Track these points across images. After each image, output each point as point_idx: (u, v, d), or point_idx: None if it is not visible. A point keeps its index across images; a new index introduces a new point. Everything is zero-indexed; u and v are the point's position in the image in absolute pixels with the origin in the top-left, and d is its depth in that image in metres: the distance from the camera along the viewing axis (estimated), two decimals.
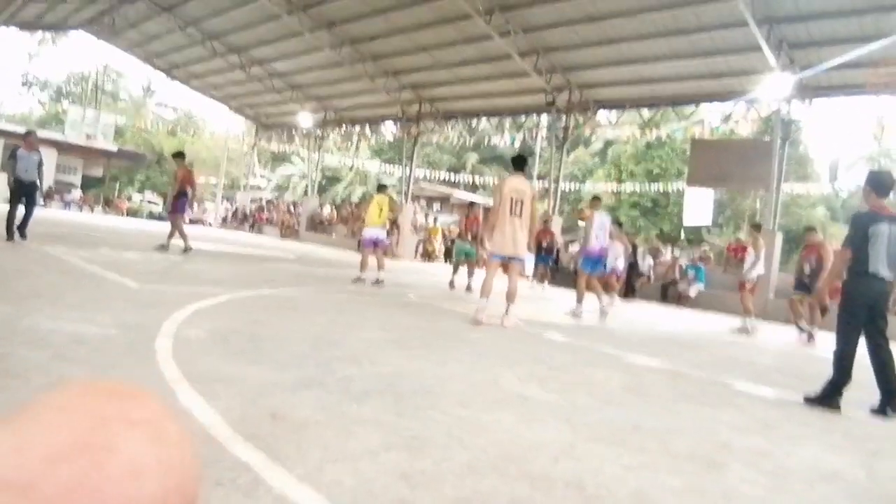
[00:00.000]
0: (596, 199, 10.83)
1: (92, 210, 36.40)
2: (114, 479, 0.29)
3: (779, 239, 17.52)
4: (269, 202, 38.07)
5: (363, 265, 10.82)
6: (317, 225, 31.59)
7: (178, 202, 12.36)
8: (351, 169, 46.79)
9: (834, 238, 34.34)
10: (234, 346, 4.36)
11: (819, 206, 39.94)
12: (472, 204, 17.11)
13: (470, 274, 12.55)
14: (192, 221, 40.54)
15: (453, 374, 4.42)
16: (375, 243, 10.87)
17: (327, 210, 33.32)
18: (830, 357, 5.17)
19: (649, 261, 18.24)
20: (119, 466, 0.30)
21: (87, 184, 41.68)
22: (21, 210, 9.96)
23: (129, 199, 44.32)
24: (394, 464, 2.55)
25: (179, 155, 12.90)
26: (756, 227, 12.40)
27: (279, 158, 48.08)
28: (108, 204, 39.48)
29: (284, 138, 36.37)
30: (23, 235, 9.89)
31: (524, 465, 2.75)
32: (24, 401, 0.33)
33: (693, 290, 16.72)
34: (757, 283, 11.96)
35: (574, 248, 20.36)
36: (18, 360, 3.35)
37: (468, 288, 12.09)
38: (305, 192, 36.03)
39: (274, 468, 2.34)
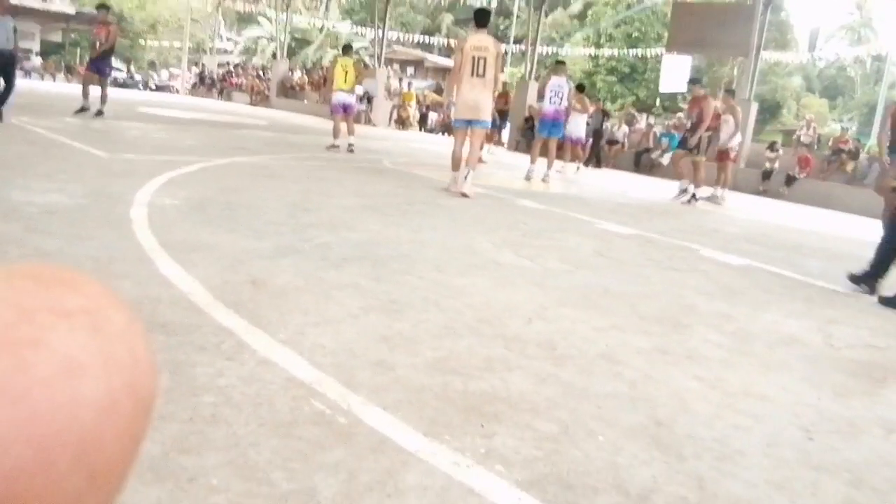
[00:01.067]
0: (559, 63, 10.65)
1: (53, 78, 34.98)
2: (43, 382, 0.23)
3: (754, 108, 17.46)
4: (237, 66, 36.80)
5: (335, 132, 10.56)
6: (287, 90, 30.71)
7: (104, 62, 11.10)
8: (321, 31, 45.02)
9: (806, 108, 34.35)
10: (210, 215, 4.35)
11: (796, 75, 39.63)
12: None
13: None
14: (158, 88, 39.29)
15: (429, 240, 4.48)
16: (345, 108, 10.60)
17: (297, 75, 32.32)
18: (800, 228, 5.29)
19: (624, 129, 18.17)
20: (49, 366, 0.24)
21: (47, 50, 39.82)
22: None
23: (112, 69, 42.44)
24: (373, 327, 2.64)
25: (103, 7, 11.02)
26: (730, 93, 12.28)
27: (245, 19, 45.99)
28: (70, 71, 37.88)
29: None
30: None
31: (498, 326, 2.86)
32: None
33: (666, 159, 16.77)
34: (739, 152, 12.02)
35: None
36: None
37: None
38: (274, 56, 34.79)
39: (256, 333, 2.41)
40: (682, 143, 10.76)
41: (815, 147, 17.37)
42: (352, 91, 10.68)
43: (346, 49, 11.15)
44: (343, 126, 10.56)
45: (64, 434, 0.23)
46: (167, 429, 1.70)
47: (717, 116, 15.01)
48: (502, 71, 7.37)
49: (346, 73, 10.48)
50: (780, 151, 16.65)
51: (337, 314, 2.73)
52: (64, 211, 3.94)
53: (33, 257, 2.95)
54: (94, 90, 10.91)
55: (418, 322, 2.77)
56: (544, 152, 10.45)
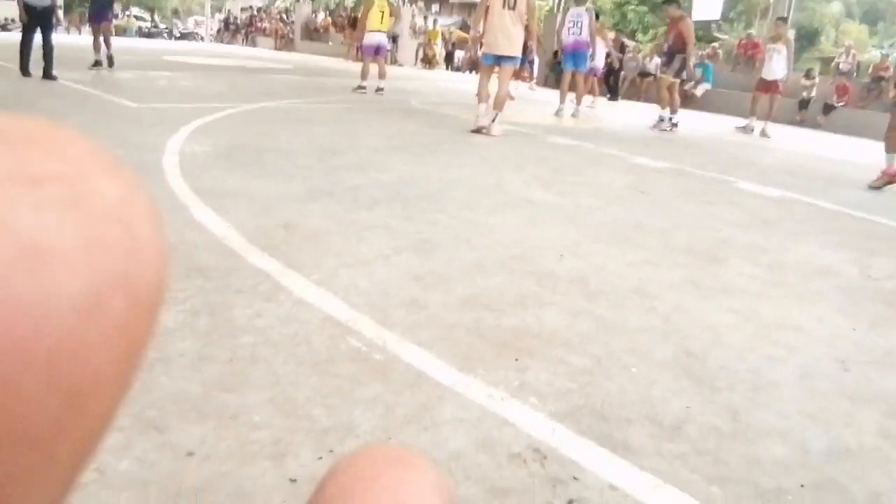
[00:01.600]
0: None
1: (79, 31, 34.96)
2: (2, 273, 0.17)
3: (790, 35, 16.86)
4: (260, 10, 36.38)
5: (364, 73, 10.35)
6: (312, 33, 30.38)
7: (104, 8, 10.54)
8: None
9: (845, 35, 33.06)
10: (240, 161, 4.38)
11: (835, 1, 38.04)
12: None
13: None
14: (182, 36, 39.10)
15: (459, 179, 4.46)
16: (377, 50, 10.29)
17: (321, 17, 31.89)
18: (837, 158, 5.23)
19: (656, 60, 17.70)
20: (6, 253, 0.17)
21: (70, 3, 39.73)
22: (38, 40, 8.22)
23: (116, 16, 42.33)
24: (405, 266, 2.66)
25: None
26: (782, 21, 11.79)
27: None
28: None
29: None
30: (51, 75, 8.16)
31: (530, 263, 2.86)
32: None
33: (700, 90, 16.39)
34: (786, 82, 11.37)
35: None
36: None
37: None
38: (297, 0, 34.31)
39: (291, 275, 2.45)
40: (664, 68, 10.19)
41: (854, 74, 16.80)
42: (387, 32, 10.37)
43: None
44: (373, 68, 10.33)
45: (28, 343, 0.17)
46: (208, 369, 1.75)
47: (755, 45, 14.52)
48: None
49: (383, 13, 10.11)
50: (817, 79, 16.14)
51: (369, 255, 2.76)
52: None
53: None
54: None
55: (450, 260, 2.78)
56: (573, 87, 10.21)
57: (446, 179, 4.45)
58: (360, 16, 10.98)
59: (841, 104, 15.55)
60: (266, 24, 32.88)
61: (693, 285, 2.83)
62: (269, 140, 5.22)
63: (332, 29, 29.83)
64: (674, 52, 9.58)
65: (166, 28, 41.00)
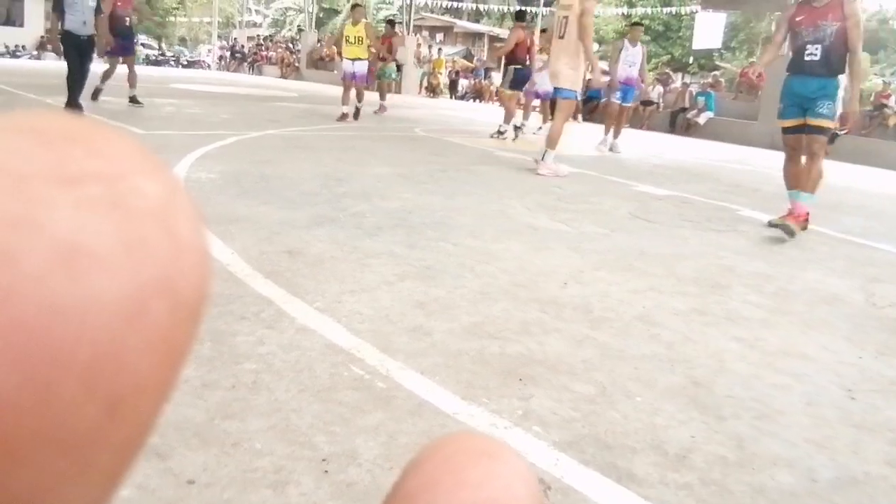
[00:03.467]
0: (636, 25, 10.30)
1: (91, 60, 35.28)
2: (35, 278, 0.16)
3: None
4: (266, 39, 36.82)
5: (344, 100, 10.11)
6: (317, 62, 30.68)
7: (130, 40, 9.83)
8: (348, 1, 44.72)
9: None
10: (245, 187, 4.40)
11: None
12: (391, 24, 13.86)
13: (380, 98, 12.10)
14: (189, 64, 39.50)
15: (463, 207, 4.48)
16: (354, 76, 9.98)
17: (326, 45, 32.23)
18: (841, 185, 5.28)
19: (659, 89, 17.82)
20: (43, 255, 0.16)
21: None
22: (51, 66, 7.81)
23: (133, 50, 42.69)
24: (409, 293, 2.66)
25: None
26: None
27: None
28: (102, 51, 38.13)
29: None
30: (77, 103, 7.74)
31: (534, 290, 2.86)
32: None
33: (703, 118, 16.45)
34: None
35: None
36: None
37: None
38: (300, 29, 34.74)
39: (294, 301, 2.45)
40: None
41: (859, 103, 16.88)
42: (357, 59, 9.94)
43: (355, 7, 10.21)
44: (352, 92, 10.12)
45: (68, 349, 0.16)
46: (211, 396, 1.74)
47: (759, 74, 14.47)
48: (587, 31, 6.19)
49: (358, 38, 9.83)
50: None
51: (373, 282, 2.76)
52: None
53: None
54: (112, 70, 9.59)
55: (454, 288, 2.78)
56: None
57: (450, 207, 4.46)
58: (335, 43, 11.65)
59: (843, 132, 15.59)
60: (272, 53, 33.24)
61: (698, 313, 2.82)
62: (274, 167, 5.25)
63: (337, 58, 30.10)
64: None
65: (173, 56, 41.44)
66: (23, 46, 31.62)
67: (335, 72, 28.94)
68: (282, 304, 2.42)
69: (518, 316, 2.54)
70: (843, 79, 4.76)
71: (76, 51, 7.87)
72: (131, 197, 0.18)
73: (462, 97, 25.03)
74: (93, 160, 0.18)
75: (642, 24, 10.56)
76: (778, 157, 12.49)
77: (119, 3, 9.27)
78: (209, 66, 39.19)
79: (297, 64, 31.17)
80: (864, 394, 2.22)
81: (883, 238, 5.05)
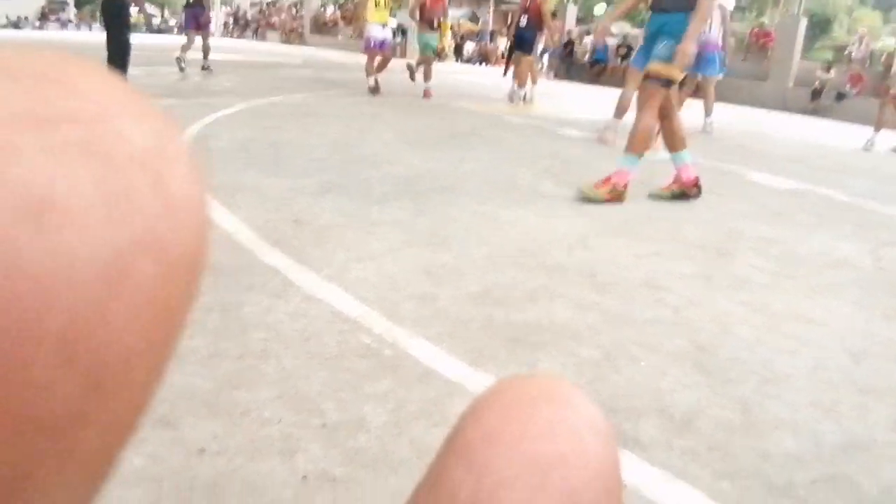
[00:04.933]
0: None
1: (89, 27, 35.17)
2: (4, 234, 0.14)
3: (803, 24, 16.74)
4: (269, 4, 36.40)
5: (370, 70, 9.31)
6: (321, 27, 30.38)
7: (201, 9, 10.51)
8: None
9: (858, 22, 32.71)
10: (252, 156, 4.40)
11: None
12: None
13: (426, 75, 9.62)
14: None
15: (470, 173, 4.46)
16: (381, 45, 9.17)
17: (330, 10, 31.88)
18: (851, 147, 5.17)
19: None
20: (14, 208, 0.14)
21: (81, 0, 39.92)
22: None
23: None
24: (415, 261, 2.67)
25: None
26: None
27: None
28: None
29: None
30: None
31: (540, 257, 2.86)
32: None
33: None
34: None
35: (588, 39, 19.62)
36: None
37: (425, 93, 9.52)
38: None
39: (301, 270, 2.46)
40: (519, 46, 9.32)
41: (868, 63, 16.63)
42: (386, 24, 9.30)
43: None
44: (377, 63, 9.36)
45: (38, 318, 0.14)
46: (219, 366, 1.76)
47: (767, 34, 14.20)
48: None
49: (380, 2, 9.20)
50: (831, 72, 16.04)
51: (379, 249, 2.77)
52: None
53: None
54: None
55: (460, 255, 2.79)
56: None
57: (458, 173, 4.44)
58: (356, 6, 10.60)
59: (854, 93, 15.42)
60: (275, 19, 32.90)
61: (703, 278, 2.82)
62: (281, 135, 5.24)
63: (341, 23, 29.79)
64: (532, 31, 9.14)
65: (177, 23, 41.03)
66: (25, 17, 31.37)
67: (339, 37, 28.67)
68: (288, 272, 2.43)
69: (524, 282, 2.54)
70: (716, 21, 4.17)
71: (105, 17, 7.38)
72: (114, 142, 0.16)
73: (468, 61, 24.78)
74: (68, 100, 0.16)
75: None
76: (789, 119, 12.33)
77: None
78: (212, 34, 38.78)
79: (300, 30, 30.87)
80: (870, 358, 2.22)
81: (892, 201, 5.01)
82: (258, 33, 32.88)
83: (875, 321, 2.55)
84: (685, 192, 4.20)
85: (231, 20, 36.95)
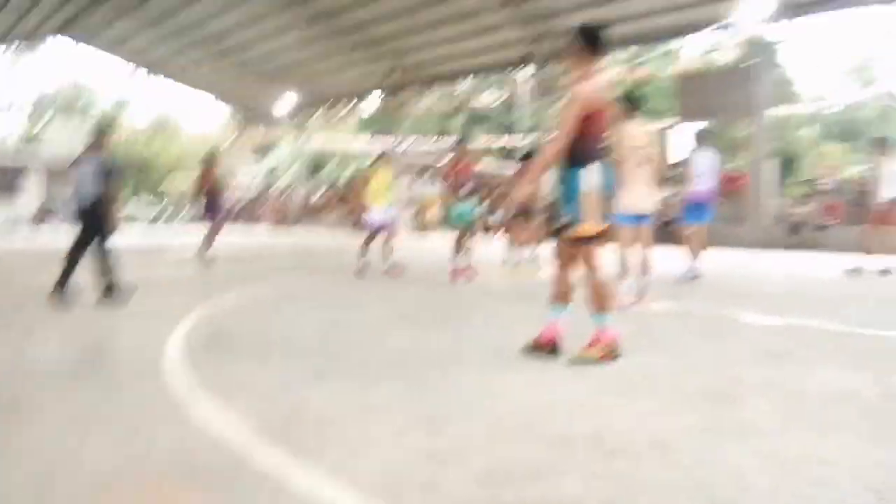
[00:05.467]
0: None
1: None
2: None
3: (771, 164, 17.56)
4: (259, 194, 37.93)
5: (363, 251, 9.21)
6: (309, 211, 31.54)
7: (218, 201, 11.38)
8: (338, 149, 46.44)
9: (825, 156, 34.30)
10: (244, 346, 4.41)
11: (810, 125, 39.73)
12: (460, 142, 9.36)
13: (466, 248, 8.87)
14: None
15: (463, 344, 4.47)
16: (382, 226, 9.16)
17: (318, 195, 33.25)
18: (837, 277, 5.24)
19: None
20: None
21: None
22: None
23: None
24: (416, 444, 2.61)
25: (206, 157, 11.66)
26: (881, 142, 10.07)
27: (265, 148, 47.80)
28: None
29: (268, 125, 36.25)
30: (109, 293, 6.26)
31: (542, 427, 2.80)
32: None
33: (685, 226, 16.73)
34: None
35: None
36: (26, 397, 3.38)
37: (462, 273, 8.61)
38: (294, 181, 35.96)
39: (298, 465, 2.39)
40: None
41: (840, 193, 17.26)
42: (388, 204, 9.30)
43: (382, 156, 9.91)
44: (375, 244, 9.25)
45: None
46: None
47: (738, 178, 14.70)
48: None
49: (386, 184, 9.26)
50: (808, 207, 16.63)
51: (378, 435, 2.71)
52: (97, 363, 4.01)
53: (68, 417, 2.98)
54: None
55: (461, 434, 2.73)
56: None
57: (451, 345, 4.45)
58: (358, 186, 10.03)
59: (832, 223, 15.88)
60: (265, 207, 34.12)
61: (711, 431, 2.76)
62: (272, 323, 5.28)
63: (329, 206, 30.97)
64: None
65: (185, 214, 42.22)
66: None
67: (328, 221, 29.66)
68: (285, 470, 2.36)
69: (529, 457, 2.48)
70: (585, 172, 3.79)
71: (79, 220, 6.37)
72: None
73: None
74: None
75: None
76: (773, 256, 12.49)
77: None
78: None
79: (290, 215, 31.99)
80: (894, 493, 2.13)
81: (889, 326, 5.01)
82: (248, 222, 33.83)
83: (892, 453, 2.48)
84: (543, 347, 4.01)
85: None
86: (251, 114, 35.29)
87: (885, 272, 8.96)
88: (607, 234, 3.94)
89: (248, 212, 34.63)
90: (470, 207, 8.59)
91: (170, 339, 4.66)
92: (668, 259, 10.17)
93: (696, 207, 8.53)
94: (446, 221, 10.17)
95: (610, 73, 21.30)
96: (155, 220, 38.62)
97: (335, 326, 5.15)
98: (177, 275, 9.74)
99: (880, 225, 9.31)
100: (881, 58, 39.46)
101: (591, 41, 3.88)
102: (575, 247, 3.92)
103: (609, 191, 3.91)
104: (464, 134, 10.67)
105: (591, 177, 3.78)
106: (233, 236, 21.99)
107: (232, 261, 12.39)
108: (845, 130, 40.12)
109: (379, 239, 9.27)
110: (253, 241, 19.29)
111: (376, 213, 9.20)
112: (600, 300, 3.93)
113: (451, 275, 8.39)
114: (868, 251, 9.23)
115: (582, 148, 3.78)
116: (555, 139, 3.80)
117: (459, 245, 8.58)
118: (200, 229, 11.15)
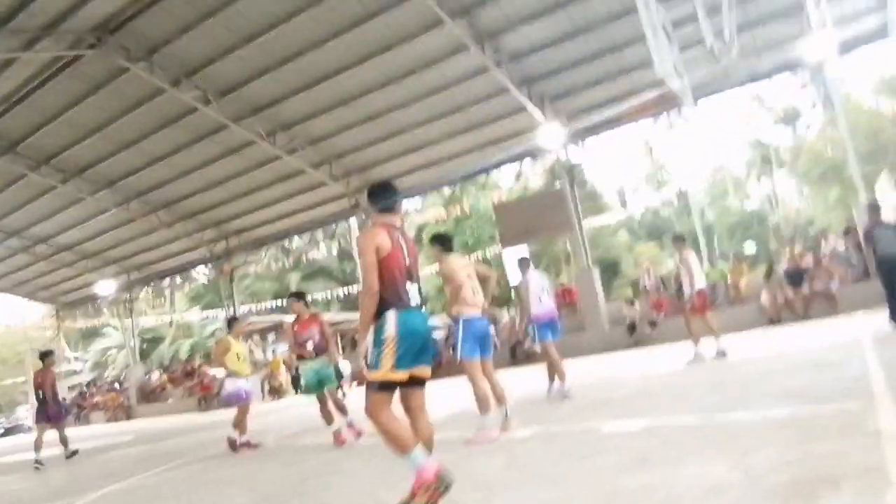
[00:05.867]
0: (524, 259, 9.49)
1: None
2: None
3: (596, 273, 18.69)
4: (89, 384, 35.11)
5: (243, 426, 8.68)
6: (148, 395, 29.38)
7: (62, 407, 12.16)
8: (171, 325, 44.44)
9: (640, 256, 37.20)
10: None
11: (620, 230, 43.15)
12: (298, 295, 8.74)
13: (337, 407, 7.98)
14: (7, 431, 36.40)
15: None
16: (238, 398, 8.85)
17: (156, 376, 31.19)
18: (675, 369, 5.45)
19: (491, 329, 18.67)
20: None
21: None
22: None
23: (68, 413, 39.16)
24: None
25: (42, 357, 12.03)
26: (680, 239, 10.88)
27: (90, 334, 44.68)
28: None
29: (91, 312, 34.09)
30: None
31: None
32: None
33: (539, 346, 17.22)
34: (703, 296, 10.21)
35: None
36: None
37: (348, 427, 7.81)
38: (127, 365, 33.69)
39: None
40: None
41: (663, 288, 18.52)
42: (249, 376, 9.30)
43: (232, 322, 9.84)
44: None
45: None
46: None
47: (569, 292, 15.50)
48: None
49: (241, 355, 9.10)
50: (636, 305, 17.71)
51: None
52: None
53: None
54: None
55: None
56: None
57: None
58: (217, 355, 9.52)
59: (662, 317, 16.96)
60: (98, 398, 31.38)
61: None
62: None
63: (169, 386, 29.08)
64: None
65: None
66: None
67: (169, 400, 27.76)
68: None
69: None
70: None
71: None
72: None
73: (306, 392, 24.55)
74: None
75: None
76: (617, 357, 13.02)
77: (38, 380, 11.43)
78: (30, 428, 36.25)
79: (127, 402, 29.66)
80: None
81: (738, 406, 5.25)
82: (81, 418, 30.85)
83: None
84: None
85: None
86: (70, 301, 33.16)
87: (721, 354, 9.54)
88: (399, 383, 3.76)
89: (81, 405, 31.75)
90: (320, 365, 7.85)
91: None
92: (522, 381, 10.32)
93: (545, 326, 8.77)
94: (299, 386, 9.75)
95: (424, 215, 22.29)
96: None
97: None
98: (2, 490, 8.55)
99: (697, 314, 10.01)
100: (669, 162, 44.25)
101: (373, 199, 4.07)
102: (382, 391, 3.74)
103: (416, 337, 3.78)
104: (298, 289, 10.42)
105: (386, 324, 3.75)
106: (68, 432, 19.92)
107: (67, 462, 11.12)
108: (651, 230, 44.00)
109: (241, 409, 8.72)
110: (88, 438, 17.56)
111: (241, 382, 8.87)
112: (394, 444, 3.66)
113: (336, 439, 7.51)
114: (695, 340, 9.84)
115: (383, 296, 3.79)
116: (363, 290, 3.85)
117: (326, 412, 7.75)
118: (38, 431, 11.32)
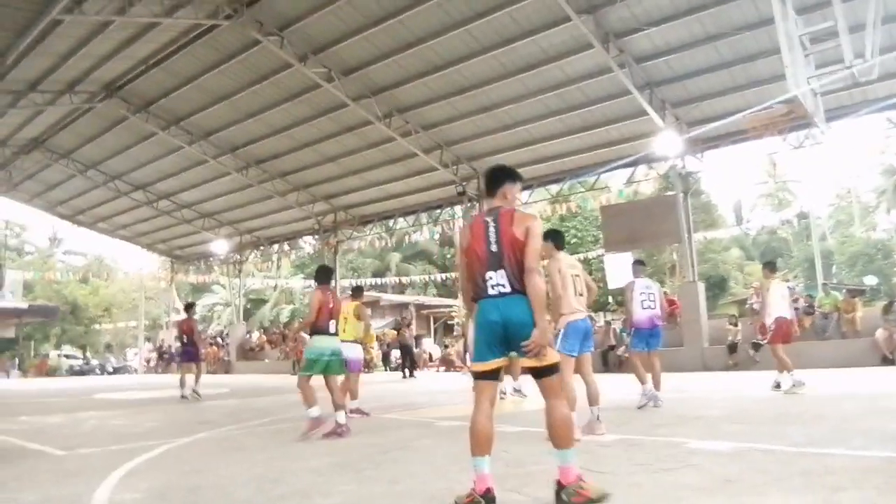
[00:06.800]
0: (639, 263, 9.29)
1: (8, 375, 34.79)
2: None
3: (701, 288, 18.06)
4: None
5: (354, 393, 8.70)
6: (247, 353, 30.77)
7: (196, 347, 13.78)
8: (275, 289, 46.19)
9: (750, 276, 35.69)
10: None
11: (732, 247, 41.60)
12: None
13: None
14: (116, 371, 38.95)
15: (407, 492, 4.25)
16: (348, 364, 7.96)
17: (256, 336, 32.58)
18: (775, 394, 5.26)
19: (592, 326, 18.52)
20: None
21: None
22: None
23: (47, 356, 42.41)
24: None
25: (186, 308, 15.23)
26: (770, 265, 10.88)
27: (199, 289, 47.10)
28: (24, 365, 37.86)
29: (202, 268, 35.90)
30: None
31: None
32: None
33: (629, 353, 16.93)
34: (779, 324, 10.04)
35: None
36: None
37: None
38: (231, 322, 35.31)
39: None
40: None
41: None
42: (355, 341, 8.92)
43: (357, 291, 9.83)
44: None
45: None
46: None
47: (672, 302, 15.03)
48: None
49: (346, 318, 8.66)
50: (739, 326, 17.02)
51: None
52: None
53: None
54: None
55: None
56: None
57: (395, 493, 4.23)
58: (360, 315, 9.13)
59: (766, 341, 16.22)
60: (201, 350, 33.05)
61: None
62: (205, 476, 4.95)
63: (267, 346, 30.30)
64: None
65: (99, 364, 40.89)
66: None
67: (265, 360, 28.96)
68: None
69: None
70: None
71: None
72: None
73: (396, 368, 25.11)
74: None
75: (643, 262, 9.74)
76: (714, 378, 12.64)
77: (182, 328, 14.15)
78: (136, 371, 38.62)
79: (227, 357, 31.13)
80: None
81: (833, 443, 5.02)
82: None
83: None
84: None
85: (155, 356, 37.01)
86: (184, 256, 35.03)
87: (798, 384, 9.14)
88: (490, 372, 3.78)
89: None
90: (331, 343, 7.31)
91: (97, 495, 4.29)
92: (614, 386, 10.18)
93: (642, 334, 8.68)
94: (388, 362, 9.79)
95: (534, 208, 22.15)
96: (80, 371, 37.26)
97: (274, 477, 4.86)
98: (108, 423, 9.21)
99: (778, 342, 9.78)
100: (793, 182, 42.21)
101: (486, 184, 4.04)
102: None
103: (491, 326, 3.70)
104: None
105: (475, 316, 3.79)
106: (170, 379, 21.16)
107: (167, 404, 11.83)
108: (766, 250, 42.16)
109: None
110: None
111: (352, 350, 8.54)
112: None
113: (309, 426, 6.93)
114: (786, 368, 9.48)
115: (469, 289, 3.87)
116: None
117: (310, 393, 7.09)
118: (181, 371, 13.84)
